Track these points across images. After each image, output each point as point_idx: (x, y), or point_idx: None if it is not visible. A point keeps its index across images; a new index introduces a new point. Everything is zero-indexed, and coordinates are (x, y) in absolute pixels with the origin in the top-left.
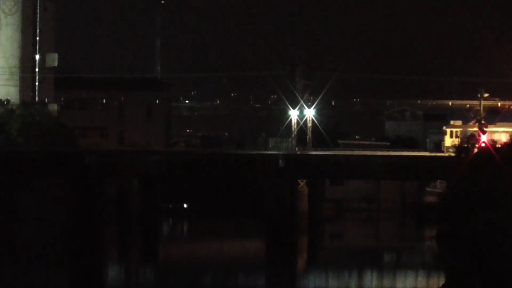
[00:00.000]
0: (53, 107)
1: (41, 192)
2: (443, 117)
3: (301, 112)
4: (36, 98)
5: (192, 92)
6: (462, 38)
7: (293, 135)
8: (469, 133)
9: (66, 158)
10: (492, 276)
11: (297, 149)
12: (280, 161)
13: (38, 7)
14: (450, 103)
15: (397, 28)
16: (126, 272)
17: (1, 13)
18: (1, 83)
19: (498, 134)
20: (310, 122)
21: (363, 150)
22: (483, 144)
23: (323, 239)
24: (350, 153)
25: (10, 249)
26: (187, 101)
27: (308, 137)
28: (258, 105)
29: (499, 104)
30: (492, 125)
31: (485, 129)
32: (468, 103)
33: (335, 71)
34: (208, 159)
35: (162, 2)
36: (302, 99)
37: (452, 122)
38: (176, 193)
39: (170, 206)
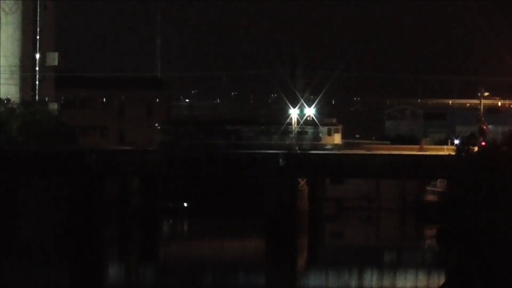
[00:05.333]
0: (53, 106)
1: (41, 191)
2: (443, 116)
3: (301, 111)
4: (37, 97)
5: (192, 91)
6: (462, 38)
7: (293, 134)
8: None
9: (66, 157)
10: (493, 275)
11: (297, 148)
12: (280, 160)
13: (38, 6)
14: (450, 102)
15: (397, 28)
16: (126, 271)
17: (1, 12)
18: (1, 82)
19: None
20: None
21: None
22: (483, 143)
23: (323, 238)
24: (350, 152)
25: (10, 248)
26: (187, 100)
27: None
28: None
29: (499, 103)
30: None
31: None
32: (468, 102)
33: (335, 70)
34: (208, 158)
35: None
36: (302, 98)
37: None
38: (176, 192)
39: (170, 205)
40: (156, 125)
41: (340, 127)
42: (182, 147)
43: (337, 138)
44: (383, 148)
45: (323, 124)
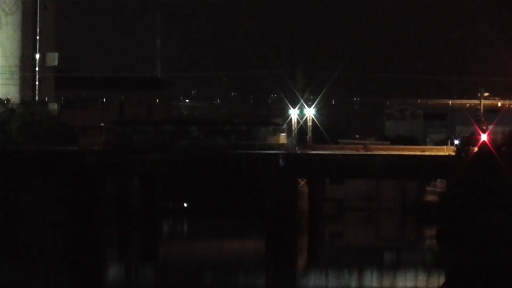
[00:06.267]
0: (53, 106)
1: (41, 192)
2: (443, 117)
3: (301, 111)
4: (36, 97)
5: (192, 91)
6: (463, 38)
7: (293, 134)
8: None
9: (66, 157)
10: (492, 275)
11: (297, 148)
12: (280, 160)
13: (38, 6)
14: (450, 103)
15: (397, 28)
16: (126, 272)
17: (1, 12)
18: (1, 82)
19: None
20: (310, 121)
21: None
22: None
23: (323, 238)
24: (350, 152)
25: (10, 249)
26: (187, 100)
27: (308, 136)
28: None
29: (499, 103)
30: None
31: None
32: (468, 102)
33: (335, 70)
34: (208, 158)
35: None
36: (302, 98)
37: None
38: (176, 192)
39: (170, 205)
40: (102, 124)
41: (285, 127)
42: (125, 147)
43: (282, 138)
44: (323, 148)
45: (269, 124)
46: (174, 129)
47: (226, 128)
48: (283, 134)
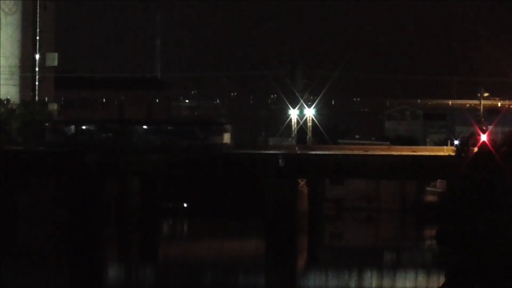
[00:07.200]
0: (53, 106)
1: (41, 192)
2: (443, 117)
3: (301, 111)
4: (36, 98)
5: (192, 92)
6: (462, 38)
7: (293, 135)
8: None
9: (66, 158)
10: (492, 275)
11: (297, 148)
12: (280, 160)
13: (38, 7)
14: (450, 103)
15: (397, 28)
16: (126, 271)
17: (1, 13)
18: (1, 82)
19: None
20: (310, 121)
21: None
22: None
23: (323, 238)
24: (350, 153)
25: (10, 249)
26: (187, 101)
27: (308, 136)
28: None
29: (499, 103)
30: None
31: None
32: (468, 102)
33: (335, 71)
34: (208, 158)
35: None
36: (302, 98)
37: None
38: (176, 193)
39: (170, 205)
40: (47, 124)
41: (228, 127)
42: (69, 146)
43: (226, 138)
44: (276, 147)
45: (212, 124)
46: (118, 128)
47: (168, 128)
48: (226, 134)
